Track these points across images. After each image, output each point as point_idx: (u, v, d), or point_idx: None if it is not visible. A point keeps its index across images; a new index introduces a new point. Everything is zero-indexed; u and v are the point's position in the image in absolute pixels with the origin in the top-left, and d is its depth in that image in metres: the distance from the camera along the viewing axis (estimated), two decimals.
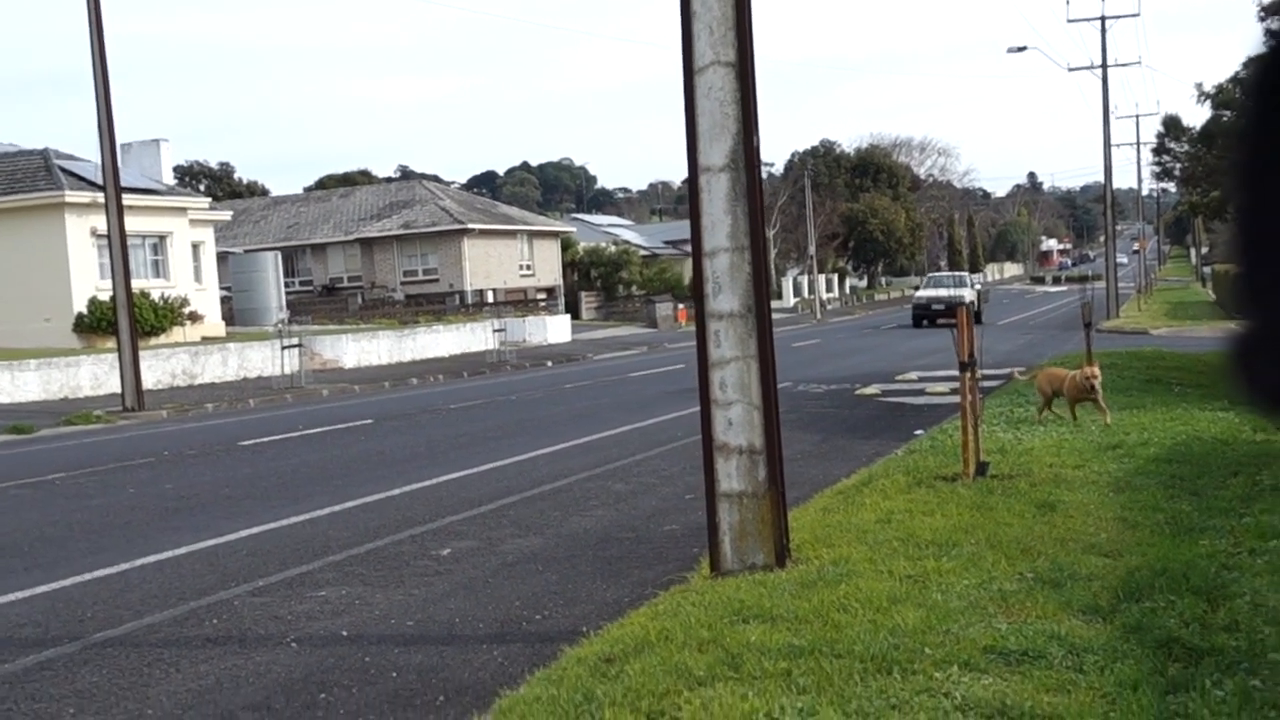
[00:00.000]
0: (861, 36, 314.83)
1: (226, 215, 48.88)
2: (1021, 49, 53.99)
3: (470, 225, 59.12)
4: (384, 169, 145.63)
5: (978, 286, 55.48)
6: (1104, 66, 52.82)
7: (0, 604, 8.53)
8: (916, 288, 61.28)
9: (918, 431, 15.76)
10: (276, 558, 9.70)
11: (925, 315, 50.59)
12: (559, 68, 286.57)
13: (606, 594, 8.31)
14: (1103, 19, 52.40)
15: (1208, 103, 24.17)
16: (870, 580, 6.89)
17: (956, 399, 19.40)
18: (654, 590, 8.06)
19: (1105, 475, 10.63)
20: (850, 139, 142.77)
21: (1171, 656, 5.45)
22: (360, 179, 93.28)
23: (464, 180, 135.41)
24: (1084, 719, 4.64)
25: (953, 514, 8.85)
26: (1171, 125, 26.34)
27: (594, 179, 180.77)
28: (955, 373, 24.12)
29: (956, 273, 64.62)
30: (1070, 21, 53.83)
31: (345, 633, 7.58)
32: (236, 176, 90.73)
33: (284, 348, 30.94)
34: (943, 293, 51.68)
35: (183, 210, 39.76)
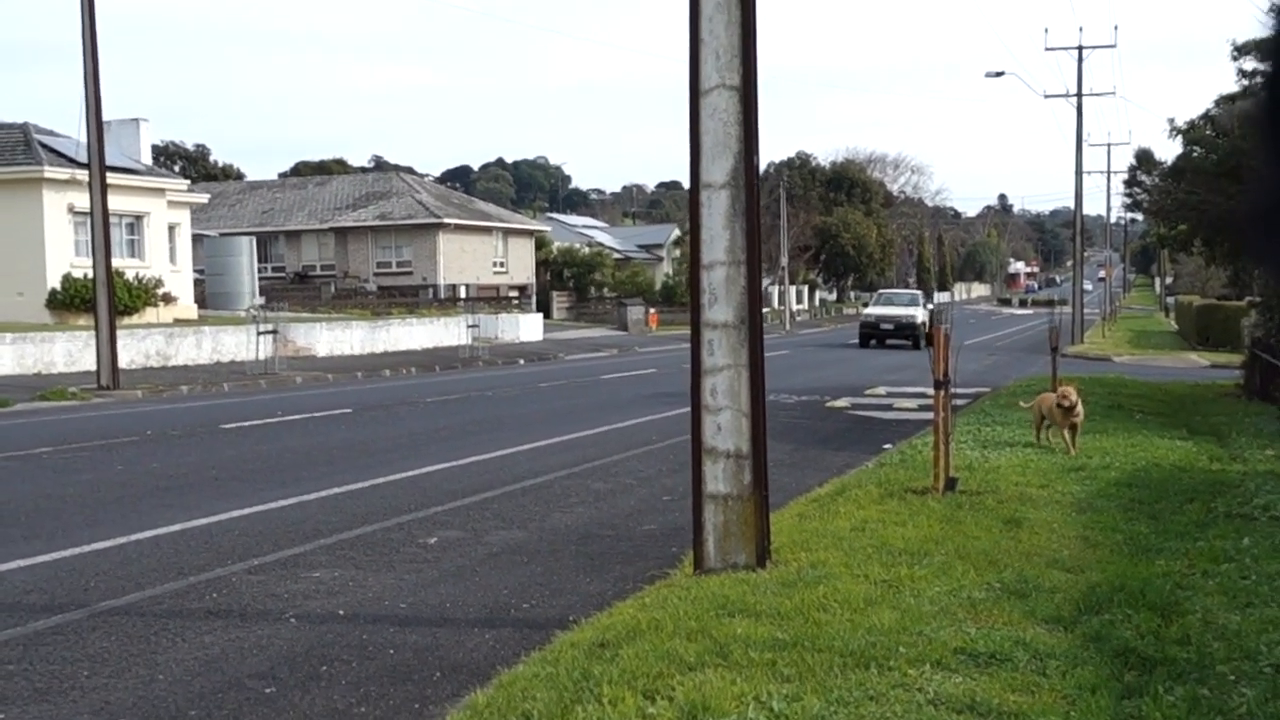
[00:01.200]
0: (841, 51, 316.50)
1: (204, 198, 48.87)
2: (999, 74, 55.24)
3: (446, 220, 59.31)
4: (358, 158, 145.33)
5: (930, 306, 51.25)
6: (1079, 95, 53.65)
7: (4, 569, 8.81)
8: (866, 304, 57.12)
9: (887, 445, 16.19)
10: (269, 539, 10.00)
11: (874, 335, 47.83)
12: (539, 65, 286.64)
13: (590, 587, 8.67)
14: (1080, 49, 53.23)
15: (1179, 138, 24.72)
16: (847, 583, 7.29)
17: (924, 415, 19.89)
18: (636, 585, 8.43)
19: (1068, 496, 11.09)
20: (826, 152, 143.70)
21: (1128, 665, 5.86)
22: (336, 168, 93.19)
23: (438, 174, 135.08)
24: (1047, 717, 5.04)
25: (924, 525, 9.27)
26: (1143, 159, 26.94)
27: (569, 179, 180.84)
28: (923, 389, 24.68)
29: (909, 290, 59.99)
30: (1048, 50, 54.64)
31: (341, 611, 7.91)
32: (212, 159, 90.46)
33: (259, 333, 31.12)
34: (893, 311, 48.59)
35: (161, 191, 39.81)
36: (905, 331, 46.75)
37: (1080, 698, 5.31)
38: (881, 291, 57.31)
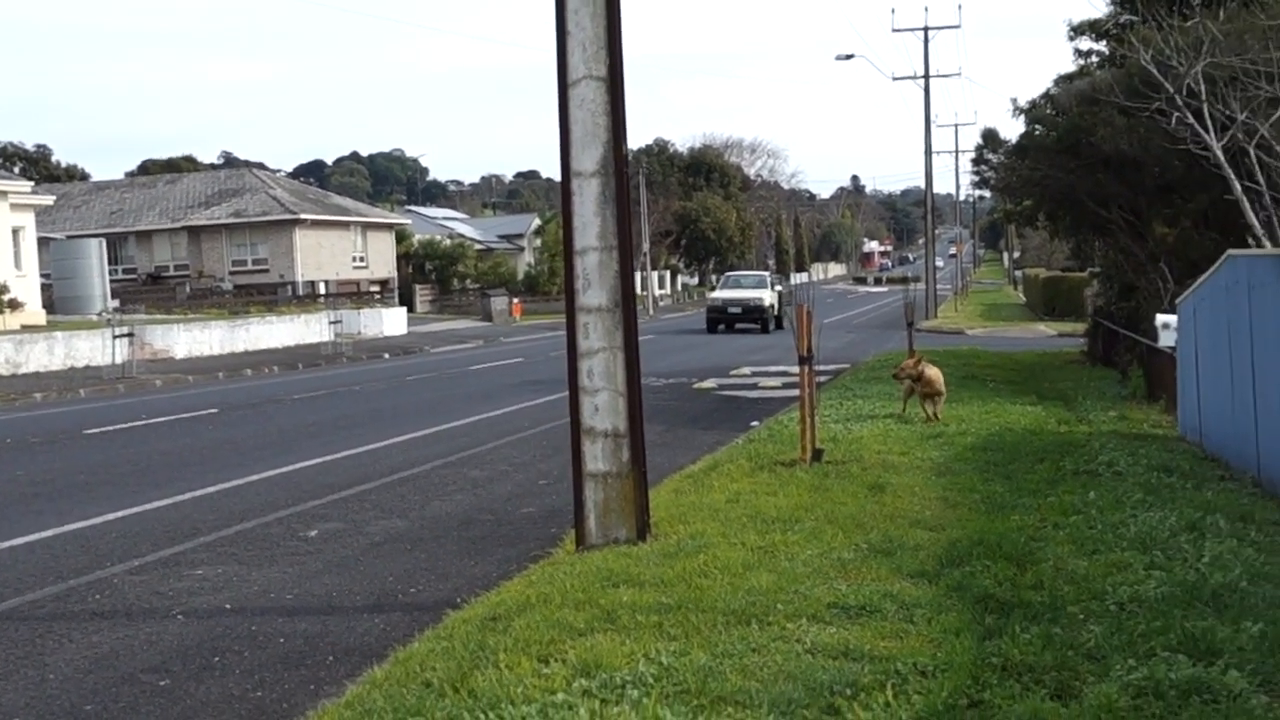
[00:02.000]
0: (695, 37, 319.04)
1: (49, 200, 47.35)
2: (849, 57, 56.75)
3: (302, 215, 58.37)
4: (208, 155, 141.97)
5: (779, 288, 49.84)
6: (926, 77, 55.27)
7: None
8: (713, 288, 54.10)
9: (754, 423, 16.64)
10: (147, 539, 9.95)
11: (721, 319, 45.93)
12: (393, 57, 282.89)
13: (474, 570, 8.86)
14: (926, 29, 54.83)
15: (1022, 117, 25.66)
16: (725, 551, 7.61)
17: (788, 393, 20.46)
18: (520, 566, 8.65)
19: (928, 461, 11.62)
20: (683, 138, 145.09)
21: (988, 610, 6.28)
22: (185, 165, 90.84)
23: (290, 169, 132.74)
24: (915, 659, 5.41)
25: (794, 494, 9.67)
26: (989, 138, 27.92)
27: (426, 171, 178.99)
28: (785, 368, 25.31)
29: (756, 272, 56.42)
30: (895, 31, 56.29)
31: (228, 606, 7.97)
32: (55, 159, 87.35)
33: (115, 336, 30.37)
34: (740, 294, 46.93)
35: (3, 194, 38.49)
36: (753, 315, 45.78)
37: (945, 640, 5.69)
38: (729, 274, 54.32)
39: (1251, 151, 11.92)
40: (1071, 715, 4.67)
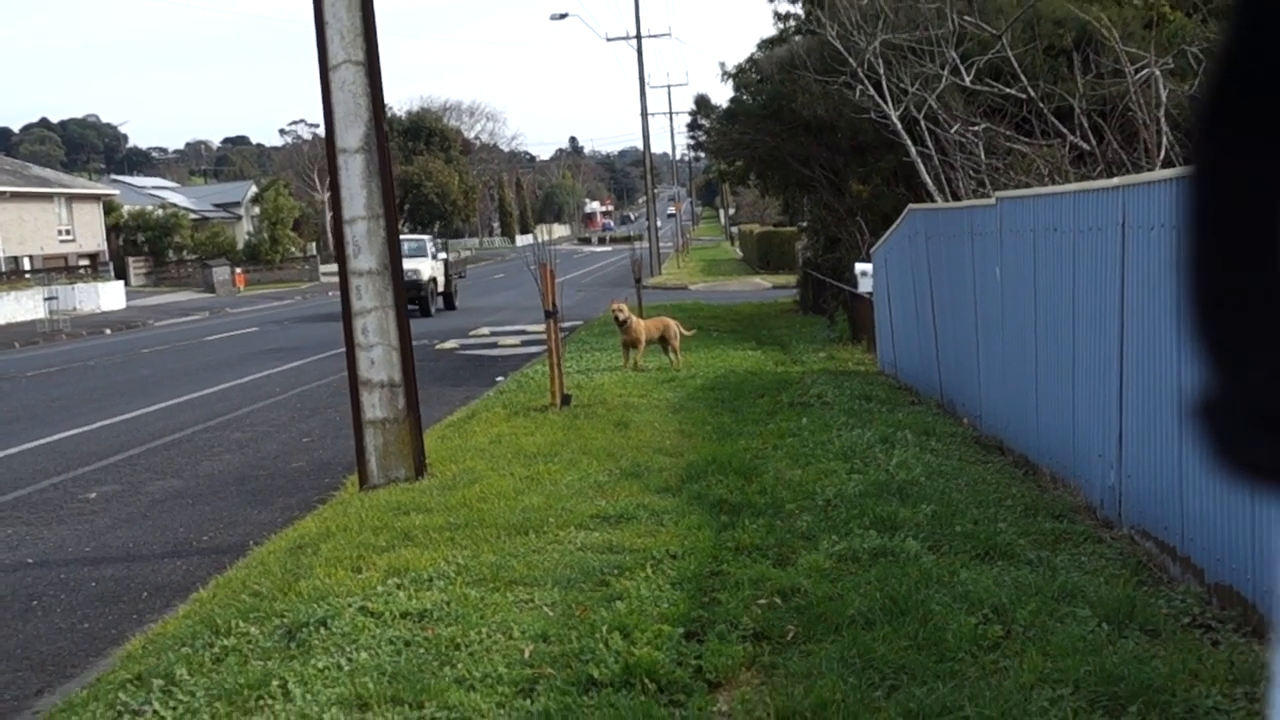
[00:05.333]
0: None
1: None
2: (563, 16, 57.29)
3: None
4: None
5: (444, 255, 39.00)
6: (639, 37, 57.11)
7: None
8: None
9: (499, 378, 17.68)
10: None
11: None
12: (80, 18, 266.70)
13: (260, 517, 9.61)
14: None
15: (731, 81, 27.46)
16: (497, 480, 8.67)
17: (527, 350, 21.62)
18: (303, 511, 9.46)
19: (664, 401, 12.96)
20: (401, 101, 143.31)
21: (722, 511, 7.58)
22: None
23: None
24: (667, 548, 6.62)
25: (549, 433, 10.81)
26: (701, 104, 29.66)
27: (125, 138, 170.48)
28: (523, 328, 26.44)
29: (414, 236, 40.92)
30: None
31: (30, 560, 8.50)
32: None
33: None
34: None
35: None
36: (408, 290, 29.94)
37: (689, 534, 6.94)
38: None
39: (921, 120, 13.78)
40: (789, 575, 5.97)
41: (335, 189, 9.10)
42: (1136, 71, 10.76)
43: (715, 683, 4.69)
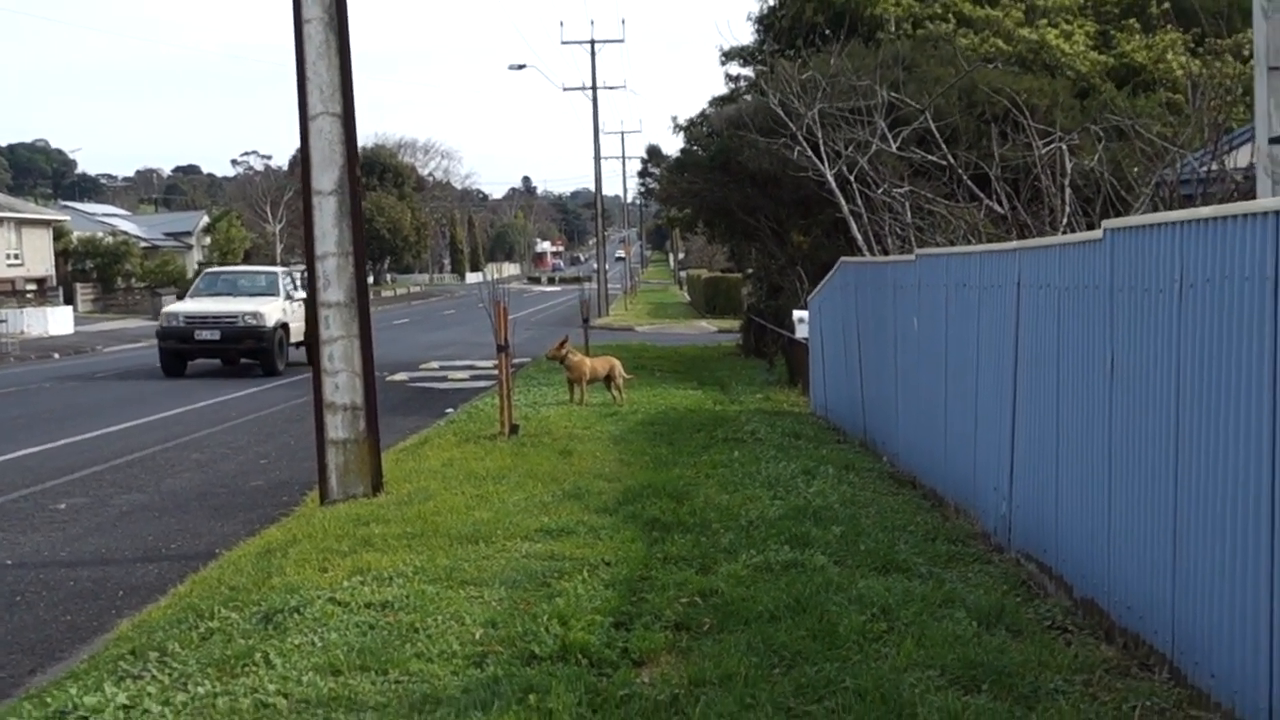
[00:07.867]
0: (367, 34, 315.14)
1: None
2: (521, 67, 58.48)
3: None
4: None
5: (299, 296, 26.19)
6: (594, 88, 58.29)
7: None
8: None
9: (449, 410, 18.40)
10: None
11: (180, 352, 26.15)
12: (30, 46, 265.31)
13: (224, 529, 10.27)
14: (592, 43, 57.83)
15: (682, 134, 28.52)
16: (449, 498, 9.42)
17: (476, 384, 22.38)
18: (265, 523, 10.14)
19: (606, 433, 13.76)
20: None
21: (654, 529, 8.37)
22: None
23: None
24: (603, 557, 7.40)
25: (498, 458, 11.57)
26: (653, 153, 30.75)
27: (74, 164, 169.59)
28: (471, 362, 27.15)
29: (264, 269, 32.21)
30: (564, 43, 58.97)
31: (9, 561, 9.12)
32: None
33: None
34: (222, 307, 26.44)
35: None
36: (243, 341, 26.02)
37: (623, 546, 7.73)
38: (209, 271, 33.16)
39: (852, 180, 14.81)
40: (709, 580, 6.78)
41: (309, 227, 9.86)
42: (1046, 145, 11.80)
43: (639, 661, 5.48)
